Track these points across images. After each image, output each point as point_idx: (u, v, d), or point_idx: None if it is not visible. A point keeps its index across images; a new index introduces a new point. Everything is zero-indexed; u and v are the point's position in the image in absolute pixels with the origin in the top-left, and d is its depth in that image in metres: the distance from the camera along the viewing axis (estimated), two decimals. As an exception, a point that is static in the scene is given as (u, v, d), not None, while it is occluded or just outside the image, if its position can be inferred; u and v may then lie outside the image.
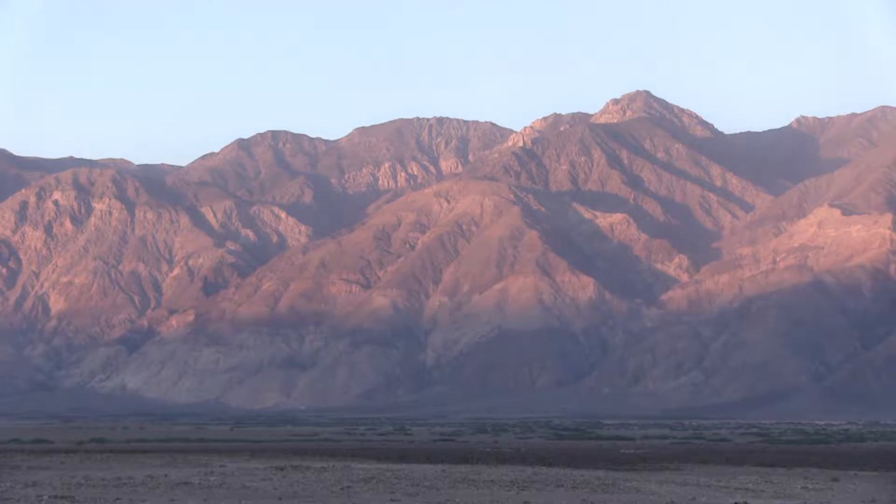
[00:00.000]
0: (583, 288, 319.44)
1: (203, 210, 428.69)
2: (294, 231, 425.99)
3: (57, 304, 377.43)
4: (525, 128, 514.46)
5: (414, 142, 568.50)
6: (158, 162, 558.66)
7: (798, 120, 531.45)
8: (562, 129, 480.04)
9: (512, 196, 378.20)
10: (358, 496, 50.93)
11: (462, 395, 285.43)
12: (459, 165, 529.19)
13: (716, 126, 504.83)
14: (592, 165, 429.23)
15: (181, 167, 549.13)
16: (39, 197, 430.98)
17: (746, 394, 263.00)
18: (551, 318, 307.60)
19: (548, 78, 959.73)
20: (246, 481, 57.84)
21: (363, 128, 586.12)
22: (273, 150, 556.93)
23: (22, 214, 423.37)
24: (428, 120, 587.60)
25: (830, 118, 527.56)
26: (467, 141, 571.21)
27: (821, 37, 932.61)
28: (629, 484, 58.13)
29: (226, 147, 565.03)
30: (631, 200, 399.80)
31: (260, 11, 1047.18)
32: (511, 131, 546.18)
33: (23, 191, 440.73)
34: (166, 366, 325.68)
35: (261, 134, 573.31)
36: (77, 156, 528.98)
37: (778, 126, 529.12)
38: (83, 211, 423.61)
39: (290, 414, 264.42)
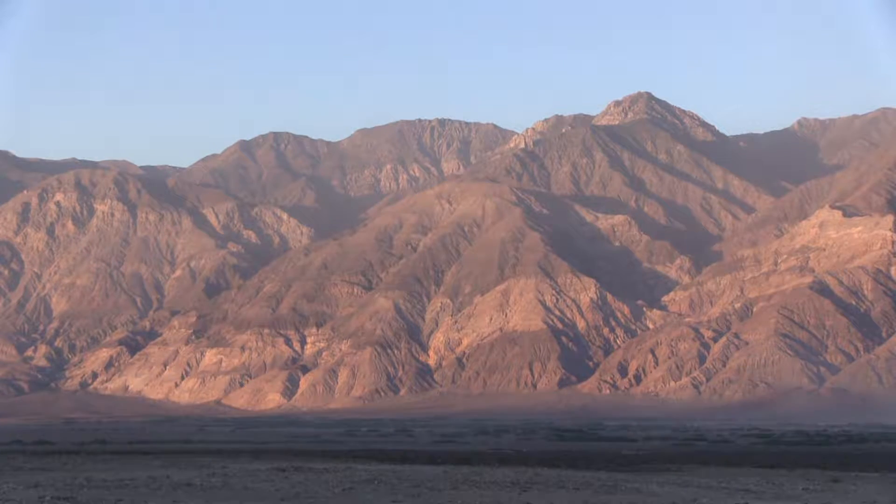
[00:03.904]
0: (584, 289, 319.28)
1: (205, 212, 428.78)
2: (296, 233, 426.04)
3: (59, 305, 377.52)
4: (527, 129, 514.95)
5: (416, 143, 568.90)
6: (160, 163, 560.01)
7: (799, 122, 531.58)
8: (563, 130, 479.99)
9: (514, 198, 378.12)
10: (360, 497, 51.05)
11: (464, 396, 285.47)
12: (461, 167, 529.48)
13: (717, 128, 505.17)
14: (594, 167, 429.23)
15: (183, 169, 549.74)
16: (41, 198, 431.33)
17: (747, 395, 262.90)
18: (553, 320, 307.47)
19: (549, 79, 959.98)
20: (248, 482, 57.97)
21: (365, 129, 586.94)
22: (275, 151, 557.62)
23: (24, 216, 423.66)
24: (430, 122, 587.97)
25: (832, 120, 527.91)
26: (469, 143, 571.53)
27: (822, 38, 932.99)
28: (631, 485, 58.25)
29: (228, 149, 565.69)
30: (632, 202, 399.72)
31: (262, 13, 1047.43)
32: (513, 133, 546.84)
33: (25, 192, 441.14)
34: (168, 367, 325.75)
35: (263, 136, 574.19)
36: (79, 157, 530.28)
37: (779, 128, 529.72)
38: (85, 212, 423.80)
39: (292, 415, 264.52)
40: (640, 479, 63.08)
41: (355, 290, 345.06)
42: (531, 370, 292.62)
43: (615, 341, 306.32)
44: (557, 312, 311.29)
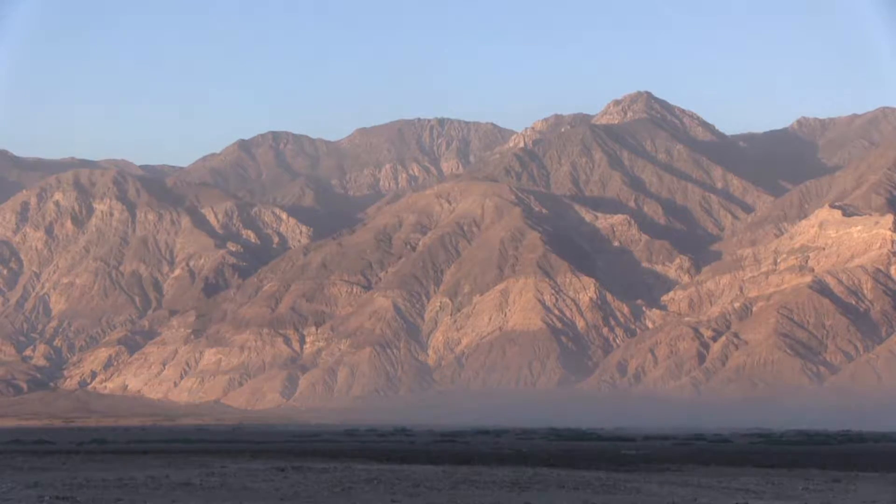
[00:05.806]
0: (584, 289, 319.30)
1: (204, 211, 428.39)
2: (295, 232, 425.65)
3: (58, 304, 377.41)
4: (526, 129, 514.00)
5: (415, 143, 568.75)
6: (159, 163, 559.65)
7: (799, 121, 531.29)
8: (563, 130, 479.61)
9: (513, 197, 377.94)
10: (359, 497, 50.93)
11: (463, 395, 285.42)
12: (460, 166, 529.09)
13: (717, 127, 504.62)
14: (593, 167, 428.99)
15: (182, 168, 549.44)
16: (40, 198, 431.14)
17: (747, 394, 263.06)
18: (552, 319, 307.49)
19: (548, 79, 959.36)
20: (247, 482, 57.84)
21: (364, 129, 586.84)
22: (274, 151, 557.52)
23: (23, 215, 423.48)
24: (429, 121, 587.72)
25: (831, 119, 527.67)
26: (468, 142, 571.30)
27: (822, 38, 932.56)
28: (630, 485, 58.14)
29: (227, 148, 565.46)
30: (632, 202, 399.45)
31: (261, 12, 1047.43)
32: (512, 132, 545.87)
33: (24, 192, 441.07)
34: (167, 366, 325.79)
35: (262, 135, 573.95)
36: (78, 157, 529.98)
37: (779, 127, 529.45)
38: (84, 212, 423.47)
39: (291, 415, 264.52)
40: (639, 478, 62.97)
41: (354, 290, 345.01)
42: (530, 370, 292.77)
43: (614, 341, 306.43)
44: (557, 312, 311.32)
